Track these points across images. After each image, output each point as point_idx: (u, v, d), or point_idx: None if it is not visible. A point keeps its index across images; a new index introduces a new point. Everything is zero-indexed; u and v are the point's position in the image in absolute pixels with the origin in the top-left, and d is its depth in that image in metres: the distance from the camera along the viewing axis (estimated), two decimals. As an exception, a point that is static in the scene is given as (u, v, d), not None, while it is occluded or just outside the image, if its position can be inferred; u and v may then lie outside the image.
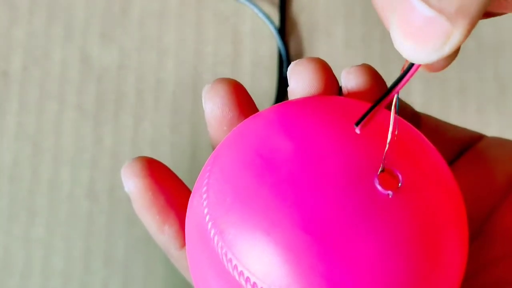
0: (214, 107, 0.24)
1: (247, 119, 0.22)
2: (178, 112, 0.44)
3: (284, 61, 0.44)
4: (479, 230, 0.24)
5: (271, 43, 0.45)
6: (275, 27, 0.45)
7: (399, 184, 0.19)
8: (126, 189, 0.24)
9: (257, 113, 0.22)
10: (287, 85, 0.43)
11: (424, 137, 0.21)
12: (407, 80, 0.19)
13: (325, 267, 0.18)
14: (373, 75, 0.23)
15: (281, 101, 0.44)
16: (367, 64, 0.23)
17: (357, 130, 0.19)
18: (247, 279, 0.18)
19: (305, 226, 0.18)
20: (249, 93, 0.24)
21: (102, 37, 0.46)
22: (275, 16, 0.46)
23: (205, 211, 0.20)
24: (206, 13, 0.46)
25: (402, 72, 0.18)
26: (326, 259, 0.18)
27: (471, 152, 0.26)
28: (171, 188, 0.24)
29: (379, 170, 0.19)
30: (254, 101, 0.44)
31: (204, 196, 0.21)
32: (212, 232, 0.20)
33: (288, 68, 0.23)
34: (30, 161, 0.43)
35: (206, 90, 0.24)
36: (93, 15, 0.46)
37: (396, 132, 0.19)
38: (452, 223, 0.20)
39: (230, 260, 0.19)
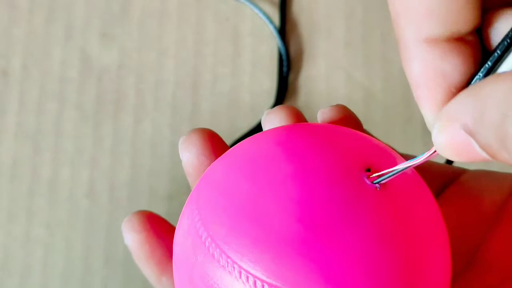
0: (191, 156, 0.25)
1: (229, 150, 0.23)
2: (178, 112, 0.44)
3: (284, 61, 0.44)
4: (471, 260, 0.25)
5: (271, 43, 0.45)
6: (275, 27, 0.45)
7: (385, 180, 0.20)
8: (125, 242, 0.26)
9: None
10: (287, 85, 0.43)
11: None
12: (425, 160, 0.20)
13: (317, 255, 0.18)
14: (346, 112, 0.25)
15: (281, 101, 0.44)
16: (341, 104, 0.25)
17: (377, 186, 0.20)
18: (247, 277, 0.19)
19: (297, 217, 0.19)
20: (223, 140, 0.25)
21: (102, 36, 0.46)
22: (275, 16, 0.46)
23: (197, 218, 0.21)
24: (206, 13, 0.46)
25: (426, 157, 0.19)
26: (318, 246, 0.18)
27: (456, 184, 0.26)
28: (168, 241, 0.25)
29: (366, 169, 0.20)
30: (255, 101, 0.44)
31: (195, 208, 0.22)
32: (208, 241, 0.20)
33: (262, 117, 0.25)
34: (30, 161, 0.43)
35: (182, 140, 0.25)
36: (93, 14, 0.46)
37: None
38: (431, 221, 0.21)
39: (227, 261, 0.19)
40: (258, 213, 0.19)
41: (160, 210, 0.42)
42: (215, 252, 0.20)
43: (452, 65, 0.18)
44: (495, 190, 0.26)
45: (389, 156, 0.21)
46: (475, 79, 0.18)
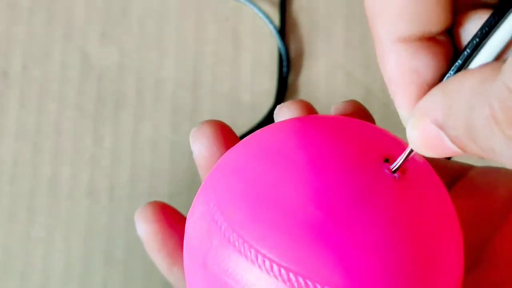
0: (202, 147, 0.25)
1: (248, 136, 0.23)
2: (178, 112, 0.44)
3: (284, 60, 0.44)
4: (480, 256, 0.25)
5: (271, 42, 0.45)
6: (275, 27, 0.45)
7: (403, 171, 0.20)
8: (138, 232, 0.26)
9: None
10: (286, 85, 0.44)
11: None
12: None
13: (334, 241, 0.18)
14: (359, 107, 0.26)
15: (281, 101, 0.44)
16: (354, 100, 0.25)
17: (396, 175, 0.20)
18: (263, 261, 0.19)
19: (316, 203, 0.19)
20: (234, 132, 0.25)
21: (102, 36, 0.46)
22: (275, 16, 0.46)
23: (212, 203, 0.21)
24: (206, 13, 0.46)
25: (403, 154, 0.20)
26: (335, 233, 0.18)
27: (463, 180, 0.26)
28: (181, 232, 0.25)
29: (385, 159, 0.21)
30: (254, 101, 0.44)
31: (211, 193, 0.21)
32: (224, 226, 0.20)
33: (275, 111, 0.25)
34: (30, 160, 0.43)
35: (193, 132, 0.25)
36: (93, 14, 0.46)
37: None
38: (447, 214, 0.21)
39: (243, 245, 0.19)
40: (276, 198, 0.19)
41: (160, 209, 0.42)
42: (231, 236, 0.19)
43: (424, 63, 0.19)
44: (503, 185, 0.26)
45: (405, 148, 0.22)
46: (446, 76, 0.19)
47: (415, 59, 0.19)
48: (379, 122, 0.43)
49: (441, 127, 0.17)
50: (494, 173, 0.27)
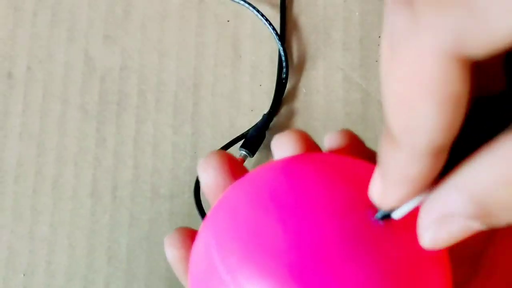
0: (208, 178, 0.25)
1: (249, 172, 0.24)
2: (180, 113, 0.44)
3: (283, 62, 0.44)
4: (476, 267, 0.25)
5: (271, 44, 0.46)
6: (274, 29, 0.45)
7: (391, 216, 0.20)
8: (167, 257, 0.26)
9: (258, 168, 0.24)
10: (286, 87, 0.44)
11: None
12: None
13: (315, 281, 0.19)
14: (352, 137, 0.26)
15: (279, 102, 0.44)
16: (347, 129, 0.25)
17: (380, 223, 0.21)
18: None
19: (299, 247, 0.20)
20: (240, 163, 0.26)
21: (105, 38, 0.46)
22: (276, 19, 0.46)
23: (213, 250, 0.22)
24: (207, 15, 0.46)
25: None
26: (317, 274, 0.19)
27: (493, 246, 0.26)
28: None
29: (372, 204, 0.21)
30: (254, 102, 0.44)
31: (210, 234, 0.22)
32: (220, 268, 0.21)
33: (272, 141, 0.25)
34: (34, 161, 0.43)
35: (201, 163, 0.26)
36: (96, 17, 0.46)
37: None
38: (436, 263, 0.21)
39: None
40: (265, 243, 0.20)
41: (162, 209, 0.42)
42: (227, 278, 0.20)
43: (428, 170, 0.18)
44: None
45: None
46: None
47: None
48: (376, 123, 0.43)
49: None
50: None
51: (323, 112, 0.44)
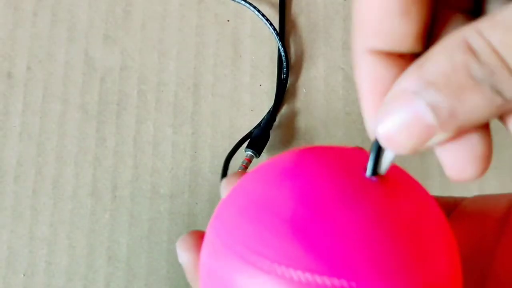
0: (186, 258, 0.26)
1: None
2: (179, 113, 0.44)
3: (283, 62, 0.44)
4: (484, 279, 0.25)
5: (271, 44, 0.46)
6: (274, 29, 0.45)
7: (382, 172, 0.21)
8: (180, 260, 0.26)
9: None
10: (286, 86, 0.44)
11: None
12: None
13: (315, 233, 0.20)
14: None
15: (280, 102, 0.44)
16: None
17: (373, 179, 0.21)
18: (257, 260, 0.20)
19: (300, 202, 0.20)
20: None
21: (105, 39, 0.46)
22: (275, 18, 0.46)
23: (216, 236, 0.22)
24: (206, 15, 0.46)
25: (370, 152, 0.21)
26: (317, 227, 0.20)
27: (457, 211, 0.27)
28: None
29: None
30: (254, 101, 0.44)
31: (213, 232, 0.23)
32: (222, 240, 0.22)
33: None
34: (34, 160, 0.43)
35: (179, 243, 0.26)
36: (96, 17, 0.46)
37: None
38: (432, 213, 0.22)
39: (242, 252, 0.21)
40: (267, 207, 0.21)
41: (162, 209, 0.42)
42: (231, 247, 0.21)
43: (388, 75, 0.20)
44: (494, 208, 0.26)
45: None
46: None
47: (380, 69, 0.20)
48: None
49: (432, 103, 0.18)
50: (483, 199, 0.28)
51: (323, 111, 0.44)
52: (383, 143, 0.19)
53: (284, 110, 0.45)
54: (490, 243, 0.25)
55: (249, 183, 0.22)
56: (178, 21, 0.46)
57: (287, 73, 0.44)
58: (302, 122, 0.44)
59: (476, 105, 0.17)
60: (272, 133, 0.44)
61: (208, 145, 0.44)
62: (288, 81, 0.45)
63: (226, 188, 0.26)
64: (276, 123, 0.44)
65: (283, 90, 0.45)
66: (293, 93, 0.45)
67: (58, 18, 0.46)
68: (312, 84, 0.45)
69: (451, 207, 0.27)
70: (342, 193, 0.20)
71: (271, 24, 0.45)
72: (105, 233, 0.42)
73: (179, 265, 0.41)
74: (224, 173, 0.41)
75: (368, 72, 0.20)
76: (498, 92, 0.17)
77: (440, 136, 0.18)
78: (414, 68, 0.18)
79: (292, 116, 0.44)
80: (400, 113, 0.18)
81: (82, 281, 0.41)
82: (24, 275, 0.41)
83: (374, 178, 0.21)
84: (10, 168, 0.43)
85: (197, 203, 0.43)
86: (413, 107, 0.18)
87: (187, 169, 0.43)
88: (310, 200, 0.20)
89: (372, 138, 0.20)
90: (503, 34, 0.17)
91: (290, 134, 0.44)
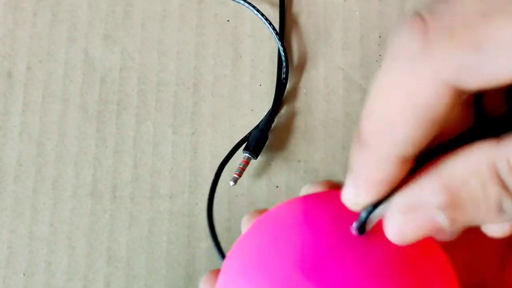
0: None
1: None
2: (179, 113, 0.44)
3: (283, 62, 0.44)
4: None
5: (271, 44, 0.46)
6: (274, 29, 0.45)
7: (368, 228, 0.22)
8: None
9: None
10: (286, 86, 0.44)
11: None
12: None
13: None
14: (331, 186, 0.27)
15: (280, 102, 0.44)
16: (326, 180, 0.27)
17: (357, 233, 0.22)
18: None
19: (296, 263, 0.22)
20: None
21: (105, 38, 0.46)
22: (275, 18, 0.46)
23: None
24: (206, 15, 0.46)
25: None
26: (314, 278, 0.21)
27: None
28: None
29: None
30: (254, 102, 0.44)
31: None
32: None
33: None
34: (34, 160, 0.43)
35: (202, 283, 0.28)
36: (96, 17, 0.46)
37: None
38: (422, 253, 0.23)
39: None
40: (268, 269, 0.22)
41: (162, 209, 0.42)
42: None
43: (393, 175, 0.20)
44: None
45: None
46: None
47: (388, 172, 0.20)
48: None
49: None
50: None
51: (323, 112, 0.44)
52: (390, 238, 0.20)
53: (284, 110, 0.45)
54: (496, 258, 0.26)
55: (255, 236, 0.23)
56: (178, 21, 0.46)
57: (286, 74, 0.44)
58: (302, 122, 0.44)
59: (490, 224, 0.19)
60: (272, 133, 0.44)
61: (208, 145, 0.44)
62: (288, 82, 0.45)
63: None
64: (276, 123, 0.44)
65: (283, 91, 0.44)
66: (293, 94, 0.45)
67: (58, 18, 0.46)
68: (312, 84, 0.45)
69: None
70: (343, 242, 0.21)
71: (271, 24, 0.45)
72: (105, 233, 0.42)
73: (179, 265, 0.41)
74: (218, 177, 0.41)
75: (376, 169, 0.20)
76: None
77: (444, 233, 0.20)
78: (435, 178, 0.19)
79: (292, 117, 0.44)
80: (418, 222, 0.19)
81: (82, 281, 0.41)
82: (24, 275, 0.41)
83: (359, 234, 0.22)
84: (10, 168, 0.43)
85: (197, 203, 0.43)
86: (432, 221, 0.19)
87: (187, 169, 0.43)
88: (316, 247, 0.21)
89: (347, 203, 0.21)
90: None
91: (290, 135, 0.44)
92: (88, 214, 0.42)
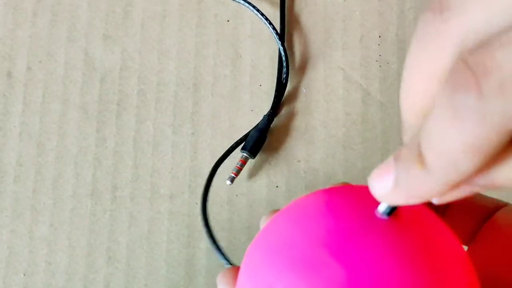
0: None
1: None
2: (179, 113, 0.44)
3: (283, 61, 0.44)
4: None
5: (271, 44, 0.45)
6: (275, 29, 0.45)
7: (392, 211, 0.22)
8: None
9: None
10: (286, 86, 0.44)
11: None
12: None
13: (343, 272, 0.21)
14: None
15: (280, 102, 0.44)
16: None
17: (385, 218, 0.23)
18: None
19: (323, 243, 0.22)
20: None
21: (105, 39, 0.46)
22: (276, 19, 0.46)
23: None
24: (206, 15, 0.46)
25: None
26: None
27: (490, 222, 0.27)
28: None
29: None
30: (254, 102, 0.44)
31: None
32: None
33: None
34: (34, 161, 0.43)
35: (219, 278, 0.28)
36: (96, 17, 0.46)
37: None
38: (446, 244, 0.23)
39: None
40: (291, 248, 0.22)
41: (162, 209, 0.42)
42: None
43: None
44: None
45: None
46: None
47: None
48: (377, 122, 0.43)
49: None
50: None
51: (323, 111, 0.44)
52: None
53: (284, 110, 0.44)
54: None
55: (278, 226, 0.24)
56: (178, 21, 0.46)
57: (287, 74, 0.44)
58: (302, 122, 0.44)
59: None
60: (272, 133, 0.44)
61: (208, 145, 0.44)
62: (288, 82, 0.45)
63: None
64: (276, 123, 0.44)
65: (283, 91, 0.44)
66: (293, 94, 0.45)
67: (58, 18, 0.46)
68: (312, 84, 0.45)
69: (490, 212, 0.27)
70: (367, 225, 0.22)
71: (271, 24, 0.45)
72: (105, 233, 0.42)
73: (179, 264, 0.41)
74: (212, 174, 0.41)
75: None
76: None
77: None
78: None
79: (292, 116, 0.44)
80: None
81: (82, 281, 0.41)
82: (24, 275, 0.41)
83: (386, 217, 0.22)
84: (10, 168, 0.43)
85: (197, 203, 0.43)
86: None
87: (187, 169, 0.43)
88: (340, 230, 0.22)
89: (378, 197, 0.22)
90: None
91: (290, 135, 0.44)
92: (88, 214, 0.42)
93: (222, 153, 0.42)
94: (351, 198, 0.23)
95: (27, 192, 0.43)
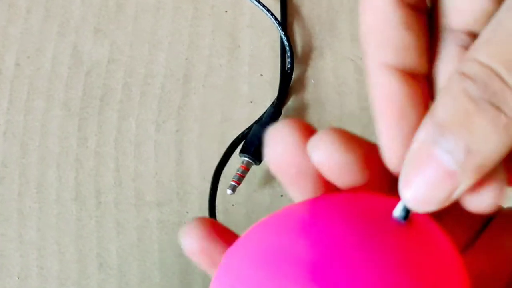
0: (192, 241, 0.25)
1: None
2: (165, 107, 0.43)
3: (288, 52, 0.43)
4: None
5: (272, 34, 0.44)
6: (276, 19, 0.43)
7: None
8: (184, 250, 0.25)
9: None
10: (291, 77, 0.42)
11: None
12: None
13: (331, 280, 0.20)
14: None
15: (285, 93, 0.42)
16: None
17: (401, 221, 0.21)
18: None
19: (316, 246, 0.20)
20: (226, 227, 0.25)
21: (96, 32, 0.45)
22: (276, 9, 0.44)
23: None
24: (203, 7, 0.45)
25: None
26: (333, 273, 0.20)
27: (491, 226, 0.26)
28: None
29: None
30: (254, 92, 0.43)
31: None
32: None
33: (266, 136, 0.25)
34: (19, 162, 0.43)
35: (184, 229, 0.25)
36: (89, 11, 0.45)
37: None
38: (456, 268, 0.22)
39: None
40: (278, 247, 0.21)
41: (149, 217, 0.41)
42: None
43: (401, 93, 0.21)
44: None
45: None
46: None
47: (394, 84, 0.21)
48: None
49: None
50: None
51: (336, 106, 0.43)
52: (411, 207, 0.20)
53: (290, 102, 0.43)
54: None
55: (259, 234, 0.22)
56: (172, 12, 0.45)
57: (291, 63, 0.43)
58: (313, 116, 0.43)
59: (485, 133, 0.18)
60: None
61: (194, 146, 0.42)
62: (294, 72, 0.43)
63: (187, 236, 0.25)
64: (283, 118, 0.42)
65: (289, 81, 0.43)
66: (300, 84, 0.44)
67: (51, 13, 0.46)
68: (320, 75, 0.44)
69: (488, 217, 0.26)
70: (361, 239, 0.21)
71: (272, 14, 0.43)
72: (93, 240, 0.41)
73: (173, 274, 0.40)
74: (215, 185, 0.39)
75: (383, 87, 0.21)
76: (499, 108, 0.18)
77: (464, 183, 0.19)
78: (428, 118, 0.19)
79: (301, 110, 0.43)
80: (426, 173, 0.19)
81: (75, 286, 0.41)
82: (18, 278, 0.41)
83: (402, 221, 0.21)
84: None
85: (187, 212, 0.41)
86: (436, 160, 0.19)
87: (172, 174, 0.42)
88: (327, 246, 0.20)
89: (390, 167, 0.21)
90: (488, 48, 0.18)
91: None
92: (74, 219, 0.41)
93: (211, 152, 0.41)
94: (341, 208, 0.22)
95: (12, 194, 0.42)
